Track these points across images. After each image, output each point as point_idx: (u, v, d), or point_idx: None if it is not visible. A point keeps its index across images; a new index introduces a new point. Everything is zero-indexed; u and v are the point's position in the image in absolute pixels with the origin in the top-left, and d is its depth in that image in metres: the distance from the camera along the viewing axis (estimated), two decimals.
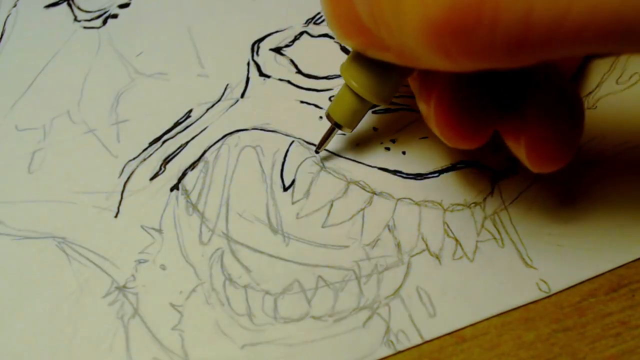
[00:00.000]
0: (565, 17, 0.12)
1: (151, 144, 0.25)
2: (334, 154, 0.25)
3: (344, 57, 0.27)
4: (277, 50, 0.28)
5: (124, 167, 0.24)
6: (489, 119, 0.20)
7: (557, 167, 0.20)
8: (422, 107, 0.21)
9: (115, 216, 0.23)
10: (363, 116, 0.23)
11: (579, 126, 0.20)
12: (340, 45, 0.27)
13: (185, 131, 0.25)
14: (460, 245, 0.23)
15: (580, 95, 0.20)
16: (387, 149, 0.25)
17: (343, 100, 0.22)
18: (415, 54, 0.15)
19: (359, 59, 0.21)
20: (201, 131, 0.25)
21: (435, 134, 0.20)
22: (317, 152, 0.24)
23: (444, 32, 0.13)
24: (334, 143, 0.25)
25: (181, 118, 0.26)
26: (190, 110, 0.26)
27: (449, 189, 0.24)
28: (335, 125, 0.23)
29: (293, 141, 0.25)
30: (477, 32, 0.13)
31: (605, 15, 0.12)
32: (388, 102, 0.22)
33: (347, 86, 0.22)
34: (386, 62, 0.19)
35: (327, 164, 0.24)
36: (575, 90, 0.20)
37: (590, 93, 0.26)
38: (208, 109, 0.26)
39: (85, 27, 0.29)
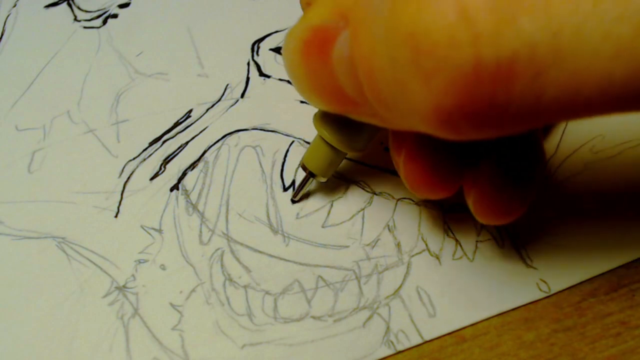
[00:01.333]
0: (578, 95, 0.12)
1: (151, 144, 0.25)
2: None
3: None
4: (277, 50, 0.28)
5: (124, 167, 0.24)
6: (458, 172, 0.20)
7: (503, 222, 0.20)
8: (393, 156, 0.20)
9: (115, 216, 0.23)
10: (339, 165, 0.22)
11: (533, 184, 0.19)
12: None
13: (185, 131, 0.25)
14: (460, 245, 0.23)
15: (544, 153, 0.20)
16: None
17: (317, 151, 0.22)
18: (411, 126, 0.15)
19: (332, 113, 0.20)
20: (201, 131, 0.25)
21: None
22: (293, 201, 0.23)
23: (455, 118, 0.13)
24: None
25: (181, 118, 0.26)
26: (190, 110, 0.26)
27: None
28: (310, 175, 0.22)
29: (293, 141, 0.25)
30: (490, 116, 0.13)
31: (617, 89, 0.12)
32: (364, 151, 0.21)
33: (320, 137, 0.21)
34: None
35: None
36: (541, 148, 0.20)
37: None
38: (208, 109, 0.26)
39: (85, 27, 0.29)
